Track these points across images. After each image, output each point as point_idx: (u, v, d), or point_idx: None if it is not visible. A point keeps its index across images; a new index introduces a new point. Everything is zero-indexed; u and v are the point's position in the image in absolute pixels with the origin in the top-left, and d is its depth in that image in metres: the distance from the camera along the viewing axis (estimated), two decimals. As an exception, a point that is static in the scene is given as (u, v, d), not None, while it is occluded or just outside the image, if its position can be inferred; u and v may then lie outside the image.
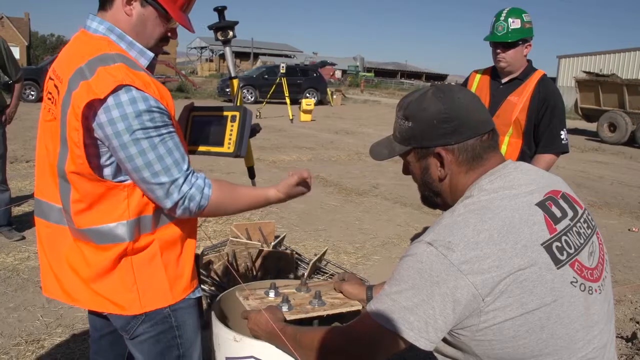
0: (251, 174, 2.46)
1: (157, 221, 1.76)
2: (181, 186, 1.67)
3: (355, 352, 1.51)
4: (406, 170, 1.74)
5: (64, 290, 1.82)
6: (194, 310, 1.92)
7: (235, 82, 2.31)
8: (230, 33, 2.17)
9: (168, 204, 1.67)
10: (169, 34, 1.82)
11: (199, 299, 1.95)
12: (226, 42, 2.21)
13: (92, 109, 1.56)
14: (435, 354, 1.58)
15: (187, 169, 1.70)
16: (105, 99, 1.54)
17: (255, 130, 2.16)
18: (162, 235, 1.78)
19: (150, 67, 1.79)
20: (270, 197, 1.93)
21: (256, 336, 1.85)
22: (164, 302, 1.78)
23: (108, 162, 1.65)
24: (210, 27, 2.21)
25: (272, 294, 2.16)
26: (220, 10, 2.16)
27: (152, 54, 1.77)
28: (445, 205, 1.64)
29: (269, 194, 1.93)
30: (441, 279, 1.37)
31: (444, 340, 1.48)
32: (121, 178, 1.67)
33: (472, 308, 1.37)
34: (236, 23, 2.17)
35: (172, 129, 1.67)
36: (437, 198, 1.68)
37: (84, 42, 1.70)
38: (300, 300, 2.13)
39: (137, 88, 1.56)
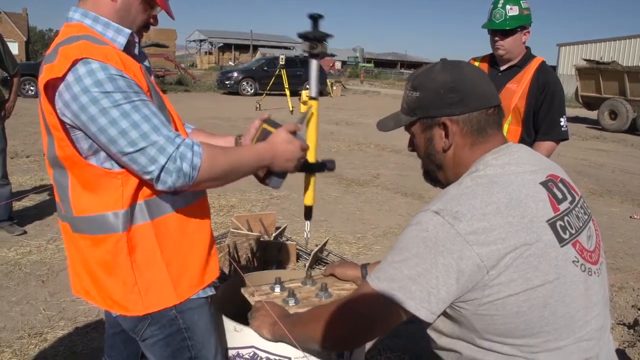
0: (307, 214, 2.19)
1: (155, 210, 1.69)
2: (165, 148, 1.53)
3: (354, 321, 1.51)
4: (411, 145, 1.74)
5: (84, 288, 1.79)
6: (205, 309, 1.85)
7: (315, 103, 2.07)
8: (320, 46, 2.00)
9: (155, 171, 1.53)
10: (151, 21, 1.80)
11: (213, 296, 1.88)
12: (313, 56, 2.03)
13: (55, 89, 1.53)
14: (430, 333, 1.58)
15: (169, 132, 1.57)
16: (64, 77, 1.50)
17: (325, 166, 2.02)
18: (162, 226, 1.71)
19: (130, 46, 1.75)
20: (260, 151, 1.78)
21: (261, 334, 1.84)
22: (168, 302, 1.73)
23: (86, 146, 1.59)
24: (299, 35, 2.04)
25: (277, 289, 2.13)
26: (316, 19, 2.00)
27: (128, 31, 1.71)
28: (446, 181, 1.64)
29: (259, 147, 1.80)
30: (446, 249, 1.37)
31: (444, 314, 1.47)
32: (107, 165, 1.61)
33: (476, 280, 1.37)
34: (330, 36, 1.99)
35: (144, 97, 1.58)
36: (439, 172, 1.67)
37: (61, 33, 1.68)
38: (307, 293, 2.12)
39: (95, 59, 1.51)
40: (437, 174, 1.69)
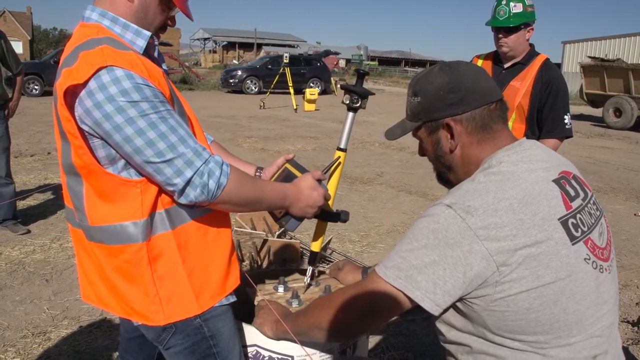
0: (312, 260, 2.17)
1: (175, 218, 1.65)
2: (193, 161, 1.52)
3: (359, 307, 1.52)
4: (421, 151, 1.75)
5: (97, 295, 1.76)
6: (228, 316, 1.82)
7: (342, 155, 2.08)
8: (360, 102, 2.03)
9: (180, 184, 1.51)
10: (169, 22, 1.76)
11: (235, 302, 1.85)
12: (352, 109, 2.05)
13: (74, 96, 1.49)
14: (439, 326, 1.57)
15: (196, 144, 1.55)
16: (85, 83, 1.46)
17: (339, 217, 2.02)
18: (183, 235, 1.67)
19: (150, 48, 1.72)
20: (287, 191, 1.79)
21: (264, 332, 1.84)
22: (189, 312, 1.70)
23: (103, 154, 1.55)
24: (343, 87, 2.09)
25: (281, 289, 2.13)
26: (362, 75, 2.05)
27: (148, 33, 1.67)
28: (457, 182, 1.64)
29: (286, 187, 1.80)
30: (456, 242, 1.38)
31: (455, 309, 1.48)
32: (125, 174, 1.58)
33: (485, 276, 1.37)
34: (371, 93, 2.06)
35: (169, 107, 1.55)
36: (449, 173, 1.68)
37: (78, 33, 1.64)
38: (310, 294, 2.12)
39: (120, 67, 1.47)
40: (448, 175, 1.70)
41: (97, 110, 1.46)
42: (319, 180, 1.89)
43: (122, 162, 1.56)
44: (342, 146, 2.09)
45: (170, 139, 1.50)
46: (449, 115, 1.57)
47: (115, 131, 1.47)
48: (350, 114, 2.06)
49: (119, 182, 1.58)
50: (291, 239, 4.79)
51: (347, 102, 2.04)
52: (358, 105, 2.04)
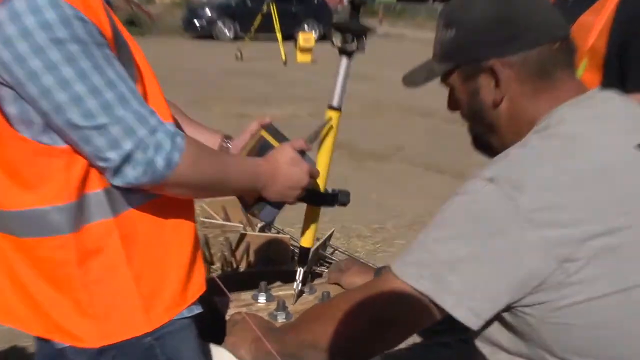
0: (302, 258, 2.19)
1: (119, 201, 1.61)
2: (135, 130, 1.46)
3: (368, 319, 1.50)
4: (451, 104, 1.72)
5: (5, 307, 1.70)
6: (191, 331, 1.80)
7: (335, 116, 2.10)
8: (355, 44, 2.02)
9: (115, 159, 1.46)
10: None
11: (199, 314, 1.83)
12: (345, 53, 2.06)
13: None
14: (480, 346, 1.54)
15: (141, 106, 1.50)
16: None
17: (336, 198, 2.06)
18: (129, 224, 1.64)
19: None
20: (259, 170, 1.78)
21: (239, 354, 1.82)
22: (134, 330, 1.66)
23: (15, 111, 1.51)
24: (332, 25, 2.11)
25: (262, 298, 2.14)
26: (357, 6, 2.01)
27: None
28: (502, 147, 1.60)
29: (258, 164, 1.80)
30: (502, 229, 1.35)
31: (502, 322, 1.45)
32: (46, 139, 1.53)
33: (543, 275, 1.33)
34: (369, 30, 2.03)
35: (108, 51, 1.49)
36: (491, 135, 1.65)
37: None
38: (302, 305, 2.12)
39: None
40: (490, 138, 1.66)
41: (6, 49, 1.41)
42: (302, 152, 1.86)
43: (40, 123, 1.51)
44: (334, 104, 2.09)
45: (106, 95, 1.45)
46: (496, 55, 1.53)
47: (30, 79, 1.43)
48: (344, 59, 2.06)
49: (37, 150, 1.53)
50: (278, 233, 4.78)
51: (340, 44, 2.03)
52: (353, 47, 2.02)
